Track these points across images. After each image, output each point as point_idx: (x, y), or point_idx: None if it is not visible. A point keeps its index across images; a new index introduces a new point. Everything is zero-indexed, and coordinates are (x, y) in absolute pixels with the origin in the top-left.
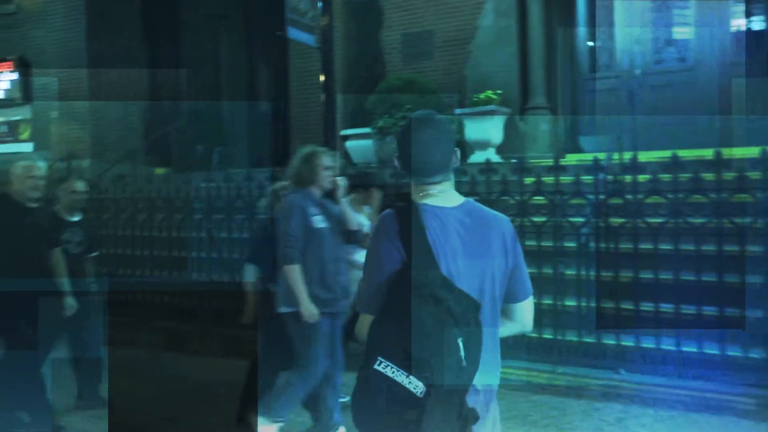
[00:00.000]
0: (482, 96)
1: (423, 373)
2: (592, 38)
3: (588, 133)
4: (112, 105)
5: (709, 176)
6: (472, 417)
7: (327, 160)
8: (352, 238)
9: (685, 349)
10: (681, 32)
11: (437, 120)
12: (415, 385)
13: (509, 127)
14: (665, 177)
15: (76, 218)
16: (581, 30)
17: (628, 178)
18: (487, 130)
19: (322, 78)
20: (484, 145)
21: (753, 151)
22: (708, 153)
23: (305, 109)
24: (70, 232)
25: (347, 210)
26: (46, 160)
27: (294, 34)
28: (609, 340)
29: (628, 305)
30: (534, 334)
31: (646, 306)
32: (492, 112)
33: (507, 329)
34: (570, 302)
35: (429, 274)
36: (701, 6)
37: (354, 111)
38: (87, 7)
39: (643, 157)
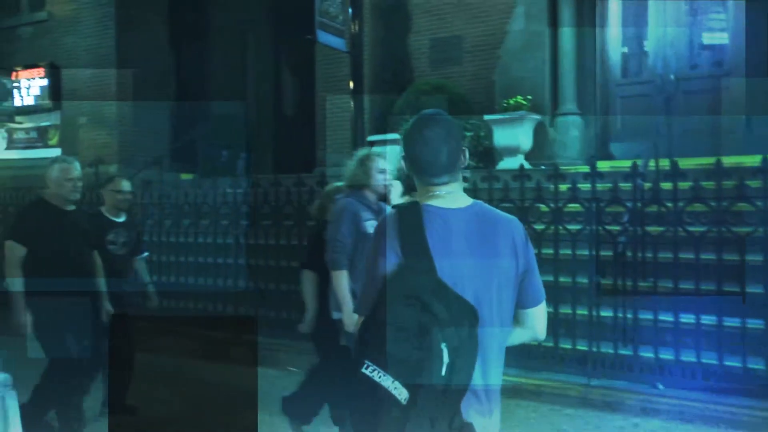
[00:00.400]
0: (512, 101)
1: (404, 378)
2: (625, 43)
3: (619, 139)
4: (139, 110)
5: (755, 183)
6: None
7: (382, 162)
8: None
9: (728, 363)
10: (717, 36)
11: (444, 119)
12: (400, 391)
13: (539, 133)
14: (708, 184)
15: (121, 219)
16: (613, 34)
17: (668, 185)
18: (516, 136)
19: (351, 84)
20: (513, 151)
21: None
22: (748, 160)
23: (331, 114)
24: (115, 233)
25: None
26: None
27: (324, 38)
28: (647, 353)
29: (667, 317)
30: (568, 346)
31: (687, 318)
32: (521, 118)
33: (518, 336)
34: (606, 313)
35: (420, 277)
36: (738, 8)
37: (381, 116)
38: (117, 14)
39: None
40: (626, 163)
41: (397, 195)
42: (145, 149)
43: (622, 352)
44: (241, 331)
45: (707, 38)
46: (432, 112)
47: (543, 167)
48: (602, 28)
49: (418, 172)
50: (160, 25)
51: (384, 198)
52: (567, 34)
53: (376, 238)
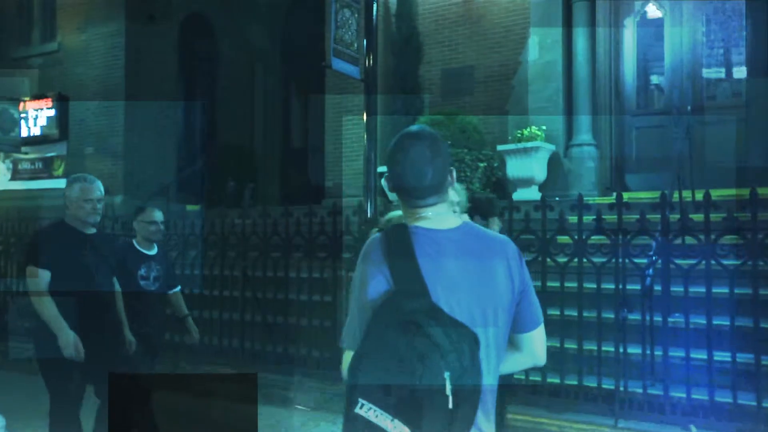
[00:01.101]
0: (526, 132)
1: (405, 414)
2: (640, 73)
3: (634, 170)
4: (145, 141)
5: None
6: None
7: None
8: None
9: (766, 405)
10: (735, 69)
11: (430, 137)
12: (401, 430)
13: (553, 164)
14: (743, 216)
15: (152, 252)
16: (629, 64)
17: (699, 216)
18: (530, 167)
19: (364, 115)
20: (527, 182)
21: None
22: None
23: (339, 145)
24: (146, 267)
25: None
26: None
27: (338, 65)
28: (678, 393)
29: (700, 354)
30: (593, 384)
31: (721, 356)
32: (536, 149)
33: (516, 362)
34: (634, 350)
35: (415, 303)
36: (755, 40)
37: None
38: (126, 45)
39: (700, 195)
40: (643, 195)
41: (497, 229)
42: (150, 180)
43: (652, 391)
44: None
45: (724, 69)
46: (416, 128)
47: (557, 198)
48: (617, 58)
49: (403, 194)
50: (169, 55)
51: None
52: (582, 64)
53: (362, 264)
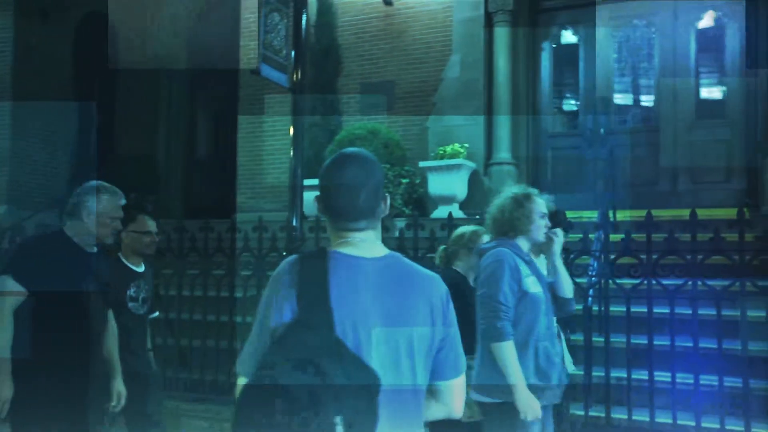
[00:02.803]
0: (448, 149)
1: None
2: (557, 95)
3: (550, 190)
4: (34, 147)
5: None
6: None
7: (542, 205)
8: (563, 308)
9: (705, 425)
10: (644, 97)
11: (365, 159)
12: None
13: (473, 182)
14: (683, 237)
15: (141, 269)
16: (545, 85)
17: (641, 237)
18: (452, 185)
19: (291, 129)
20: (448, 200)
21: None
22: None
23: (251, 158)
24: (136, 287)
25: (563, 270)
26: None
27: (267, 72)
28: (619, 415)
29: (641, 375)
30: None
31: (662, 376)
32: (458, 166)
33: (432, 412)
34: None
35: (316, 336)
36: (664, 70)
37: (310, 161)
38: (16, 40)
39: (621, 215)
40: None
41: (559, 247)
42: (39, 189)
43: (593, 413)
44: None
45: (636, 95)
46: (353, 150)
47: (477, 216)
48: (535, 79)
49: (332, 215)
50: (64, 56)
51: (539, 249)
52: (502, 84)
53: (270, 287)
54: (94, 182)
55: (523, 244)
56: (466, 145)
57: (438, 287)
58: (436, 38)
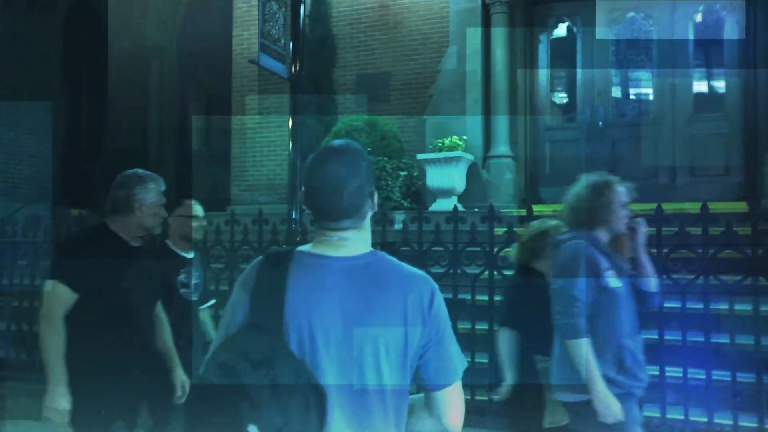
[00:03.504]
0: (447, 141)
1: None
2: (555, 87)
3: (548, 183)
4: (22, 138)
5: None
6: None
7: (624, 194)
8: (646, 303)
9: (693, 418)
10: (642, 91)
11: (353, 153)
12: None
13: (471, 175)
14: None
15: (190, 255)
16: (543, 78)
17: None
18: (451, 177)
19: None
20: (447, 192)
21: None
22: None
23: (244, 150)
24: (187, 273)
25: (647, 263)
26: None
27: (265, 61)
28: None
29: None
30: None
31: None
32: (457, 159)
33: (423, 423)
34: None
35: (261, 337)
36: (662, 63)
37: (307, 153)
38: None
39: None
40: (558, 207)
41: (643, 238)
42: (28, 181)
43: None
44: None
45: (634, 89)
46: (339, 144)
47: (476, 210)
48: (533, 71)
49: (315, 213)
50: (52, 45)
51: (622, 242)
52: (500, 76)
53: (235, 288)
54: (131, 171)
55: (603, 235)
56: (465, 137)
57: (420, 287)
58: (432, 29)
